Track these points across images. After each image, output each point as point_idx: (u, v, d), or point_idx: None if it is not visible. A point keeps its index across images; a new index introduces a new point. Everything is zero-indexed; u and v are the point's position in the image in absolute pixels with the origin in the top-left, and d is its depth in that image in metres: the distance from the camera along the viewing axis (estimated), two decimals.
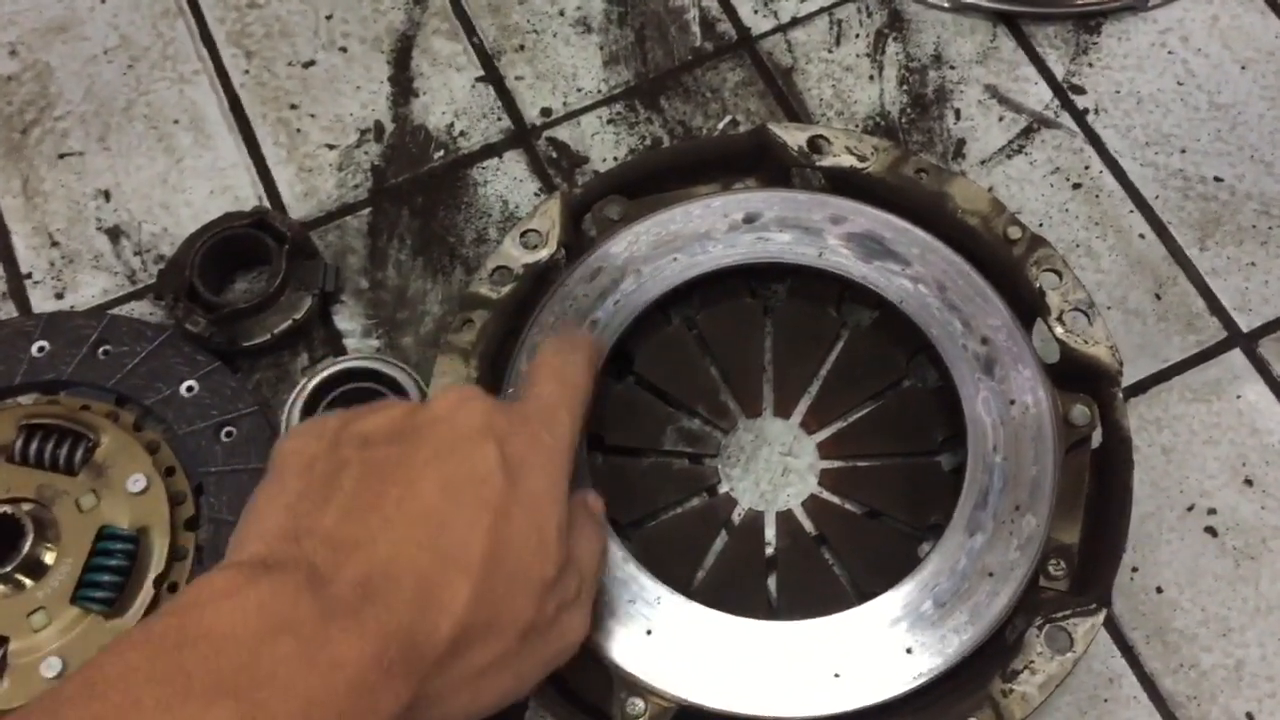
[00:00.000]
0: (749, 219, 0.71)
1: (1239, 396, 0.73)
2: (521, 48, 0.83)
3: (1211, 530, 0.69)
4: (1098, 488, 0.67)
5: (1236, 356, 0.74)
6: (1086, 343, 0.67)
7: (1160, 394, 0.73)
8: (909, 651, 0.61)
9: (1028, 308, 0.69)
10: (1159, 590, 0.68)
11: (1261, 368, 0.73)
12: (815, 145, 0.73)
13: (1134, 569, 0.69)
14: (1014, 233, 0.70)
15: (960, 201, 0.71)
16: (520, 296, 0.70)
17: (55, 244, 0.78)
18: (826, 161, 0.73)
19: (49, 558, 0.66)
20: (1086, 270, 0.76)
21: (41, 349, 0.72)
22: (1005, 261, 0.70)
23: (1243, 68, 0.82)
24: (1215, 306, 0.75)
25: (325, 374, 0.69)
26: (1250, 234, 0.77)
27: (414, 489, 0.48)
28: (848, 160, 0.73)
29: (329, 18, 0.84)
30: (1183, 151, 0.79)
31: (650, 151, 0.80)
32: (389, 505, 0.47)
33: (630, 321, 0.69)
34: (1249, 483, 0.70)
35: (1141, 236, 0.77)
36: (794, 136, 0.73)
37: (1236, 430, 0.72)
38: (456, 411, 0.51)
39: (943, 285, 0.69)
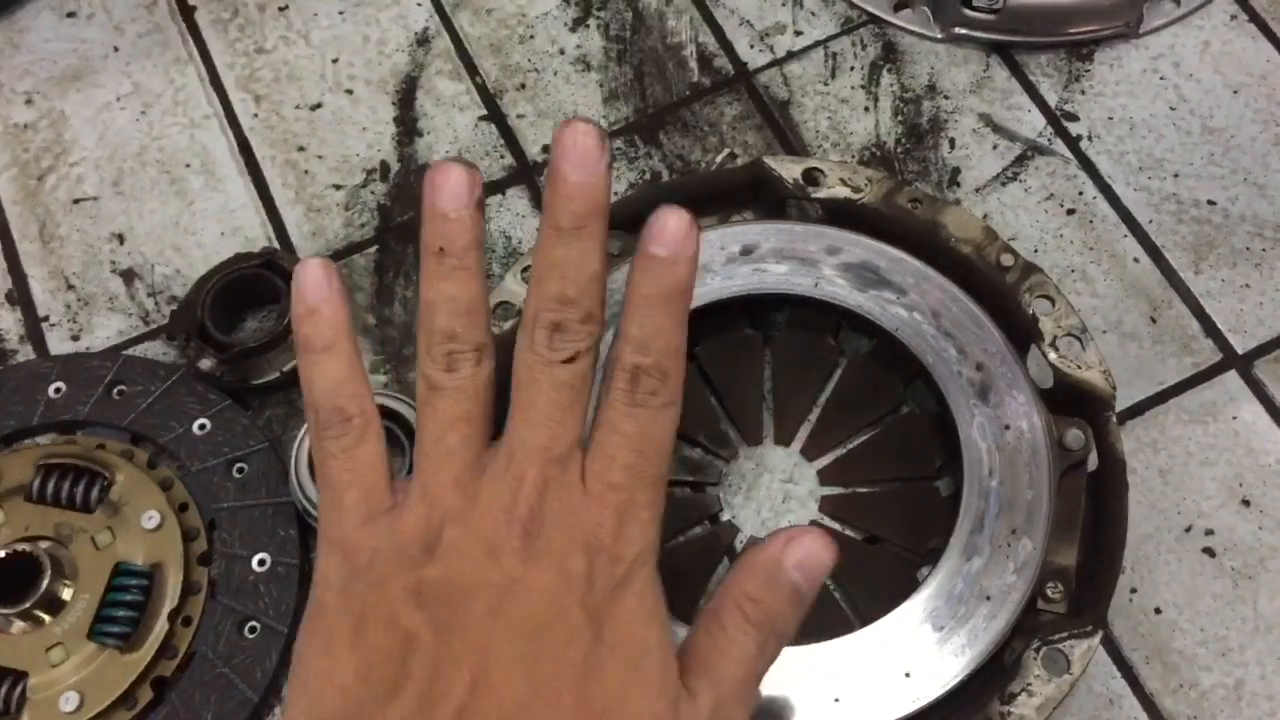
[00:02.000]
0: (746, 251, 0.72)
1: (1235, 418, 0.73)
2: (523, 86, 0.85)
3: (1209, 551, 0.70)
4: (1094, 511, 0.68)
5: (1232, 378, 0.74)
6: (1080, 368, 0.68)
7: (1157, 416, 0.74)
8: (908, 675, 0.62)
9: (1021, 334, 0.70)
10: (1158, 611, 0.69)
11: (1257, 389, 0.74)
12: (810, 177, 0.74)
13: (1133, 590, 0.69)
14: (1007, 260, 0.71)
15: (953, 230, 0.72)
16: None
17: (71, 287, 0.80)
18: (822, 193, 0.74)
19: (66, 594, 0.68)
20: (1082, 295, 0.77)
21: (58, 390, 0.74)
22: (999, 288, 0.71)
23: (1234, 92, 0.83)
24: (1210, 329, 0.76)
25: None
26: (1244, 256, 0.78)
27: (490, 672, 0.41)
28: (842, 192, 0.74)
29: (335, 61, 0.86)
30: (1176, 176, 0.80)
31: (649, 187, 0.81)
32: (459, 694, 0.40)
33: None
34: (1246, 503, 0.71)
35: (1136, 261, 0.78)
36: (789, 169, 0.74)
37: (1233, 451, 0.72)
38: (530, 567, 0.42)
39: (937, 313, 0.70)
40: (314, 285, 0.46)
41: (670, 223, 0.44)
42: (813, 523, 0.71)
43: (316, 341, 0.45)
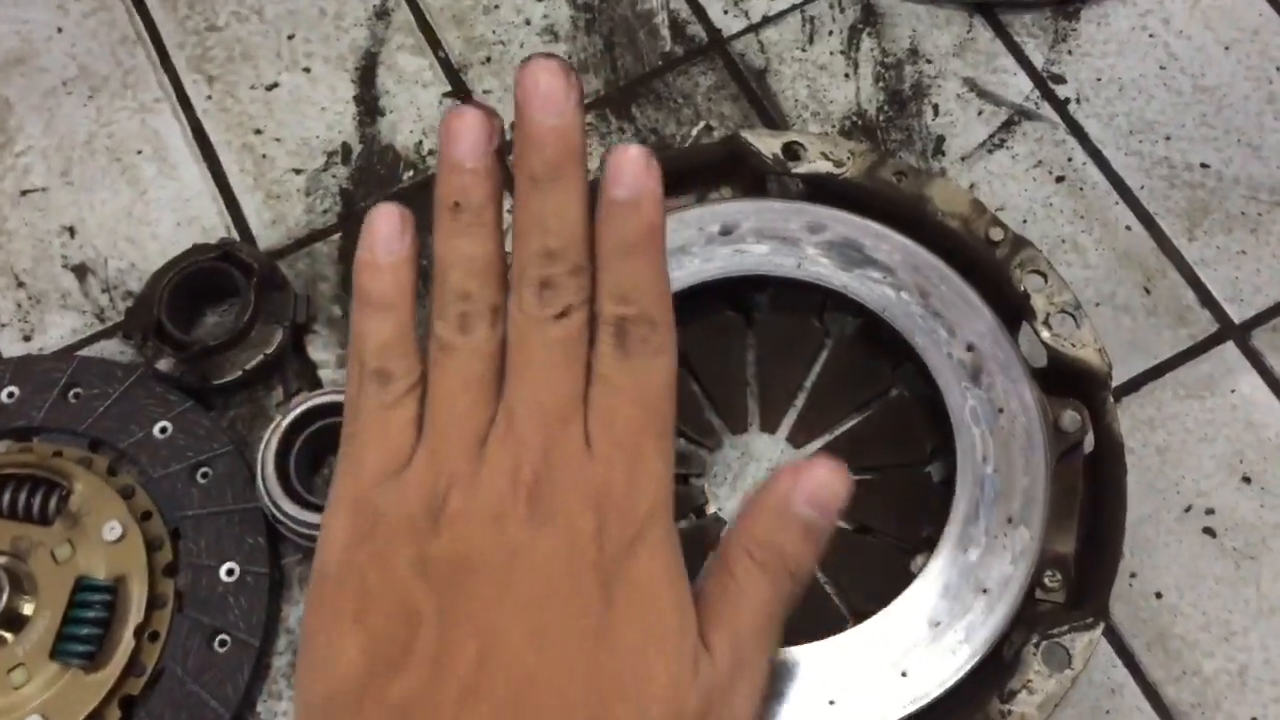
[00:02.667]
0: (725, 231, 0.70)
1: (1233, 391, 0.71)
2: (488, 60, 0.81)
3: (1210, 531, 0.68)
4: (1092, 495, 0.65)
5: (1229, 349, 0.72)
6: (1074, 346, 0.66)
7: (1153, 392, 0.71)
8: (904, 674, 0.60)
9: (1013, 311, 0.67)
10: (1158, 596, 0.67)
11: (1255, 360, 0.72)
12: (790, 151, 0.71)
13: (1132, 574, 0.67)
14: (996, 234, 0.68)
15: (940, 204, 0.70)
16: None
17: (21, 284, 0.76)
18: (802, 168, 0.71)
19: (27, 611, 0.65)
20: (1073, 266, 0.74)
21: (11, 395, 0.71)
22: (988, 264, 0.68)
23: (1226, 48, 0.80)
24: (1206, 298, 0.73)
25: (298, 411, 0.68)
26: (1239, 221, 0.75)
27: (498, 647, 0.40)
28: (824, 166, 0.71)
29: (291, 38, 0.82)
30: (1167, 138, 0.77)
31: None
32: (466, 670, 0.40)
33: None
34: (1247, 480, 0.69)
35: (1128, 229, 0.75)
36: (767, 144, 0.71)
37: (1232, 426, 0.70)
38: (536, 534, 0.41)
39: (925, 291, 0.68)
40: (385, 238, 0.43)
41: (625, 161, 0.41)
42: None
43: (376, 298, 0.43)
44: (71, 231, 0.78)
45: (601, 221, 0.42)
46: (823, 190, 0.71)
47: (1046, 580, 0.63)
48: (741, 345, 0.72)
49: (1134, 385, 0.71)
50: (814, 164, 0.71)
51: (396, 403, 0.43)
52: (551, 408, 0.41)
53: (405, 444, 0.43)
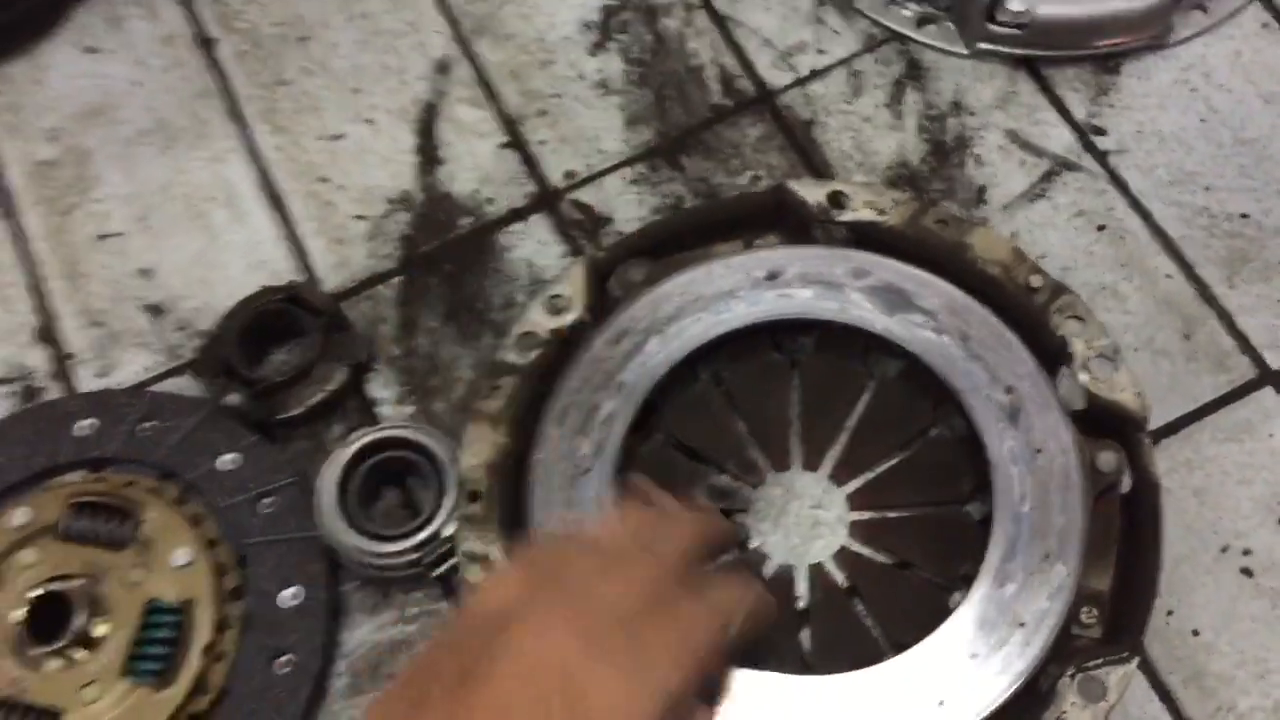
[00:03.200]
0: (771, 276, 0.72)
1: (1271, 435, 0.72)
2: (544, 112, 0.85)
3: (1247, 571, 0.69)
4: (1128, 533, 0.67)
5: (1268, 395, 0.73)
6: (1111, 389, 0.67)
7: (1191, 435, 0.73)
8: (941, 704, 0.61)
9: (1052, 355, 0.69)
10: (1195, 633, 0.68)
11: None
12: (835, 200, 0.74)
13: (1169, 612, 0.68)
14: (1036, 281, 0.70)
15: (980, 251, 0.72)
16: (547, 361, 0.71)
17: (99, 324, 0.80)
18: (846, 216, 0.73)
19: (100, 632, 0.68)
20: (1113, 313, 0.76)
21: (87, 428, 0.75)
22: (1028, 310, 0.70)
23: (1266, 101, 0.82)
24: (1245, 345, 0.75)
25: (358, 445, 0.71)
26: (1278, 270, 0.76)
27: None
28: (867, 214, 0.73)
29: (356, 91, 0.86)
30: (1207, 189, 0.79)
31: (671, 214, 0.81)
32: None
33: (658, 380, 0.70)
34: None
35: (1168, 277, 0.77)
36: (812, 193, 0.74)
37: (1270, 469, 0.71)
38: (539, 645, 0.49)
39: (966, 335, 0.69)
40: None
41: None
42: (842, 548, 0.70)
43: None
44: (147, 274, 0.81)
45: None
46: (866, 237, 0.73)
47: (1083, 616, 0.64)
48: (786, 386, 0.74)
49: (1173, 428, 0.73)
50: (858, 212, 0.74)
51: None
52: None
53: None
